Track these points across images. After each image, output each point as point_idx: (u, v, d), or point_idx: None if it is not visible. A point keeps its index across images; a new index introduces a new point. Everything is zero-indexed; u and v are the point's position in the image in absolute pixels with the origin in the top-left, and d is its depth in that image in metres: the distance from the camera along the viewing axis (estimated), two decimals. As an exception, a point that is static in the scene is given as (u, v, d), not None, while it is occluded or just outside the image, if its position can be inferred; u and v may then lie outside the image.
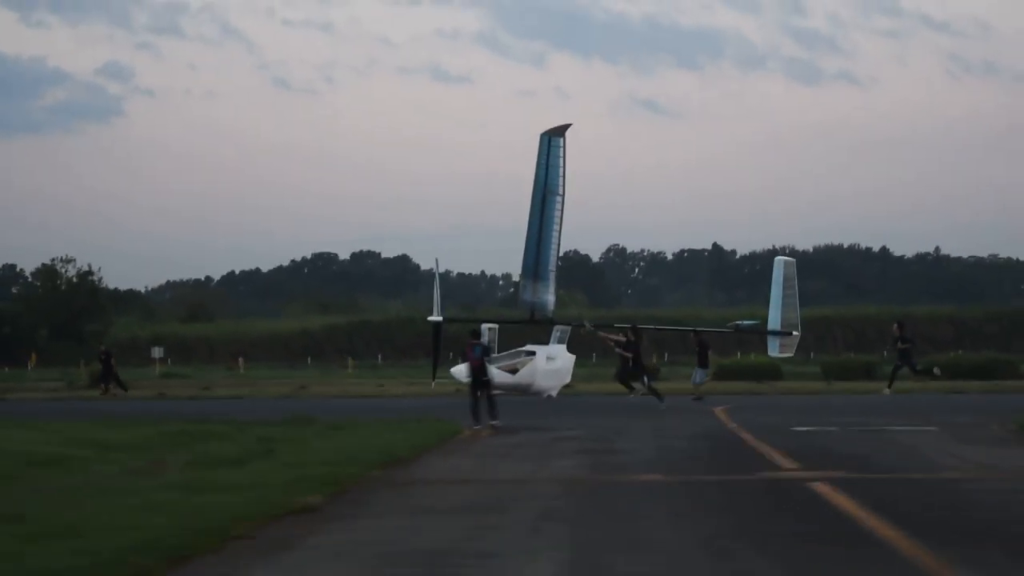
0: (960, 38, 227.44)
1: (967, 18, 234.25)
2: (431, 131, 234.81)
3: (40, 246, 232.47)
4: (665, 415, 31.54)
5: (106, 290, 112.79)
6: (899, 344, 41.38)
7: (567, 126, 36.45)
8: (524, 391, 42.49)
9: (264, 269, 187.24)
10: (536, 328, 43.56)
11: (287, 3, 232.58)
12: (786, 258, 44.77)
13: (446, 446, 22.40)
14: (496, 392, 42.13)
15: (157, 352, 70.02)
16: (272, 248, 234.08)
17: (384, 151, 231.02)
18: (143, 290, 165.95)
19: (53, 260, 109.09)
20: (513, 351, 42.88)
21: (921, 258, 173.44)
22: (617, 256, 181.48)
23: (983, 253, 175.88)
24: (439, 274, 45.91)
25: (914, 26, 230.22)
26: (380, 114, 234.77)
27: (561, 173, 36.59)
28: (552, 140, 36.17)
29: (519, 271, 42.01)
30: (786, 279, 43.14)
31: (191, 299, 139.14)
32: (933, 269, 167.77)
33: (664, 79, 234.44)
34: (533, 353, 41.93)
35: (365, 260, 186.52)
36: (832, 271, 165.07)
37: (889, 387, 40.79)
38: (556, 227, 37.77)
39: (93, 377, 54.28)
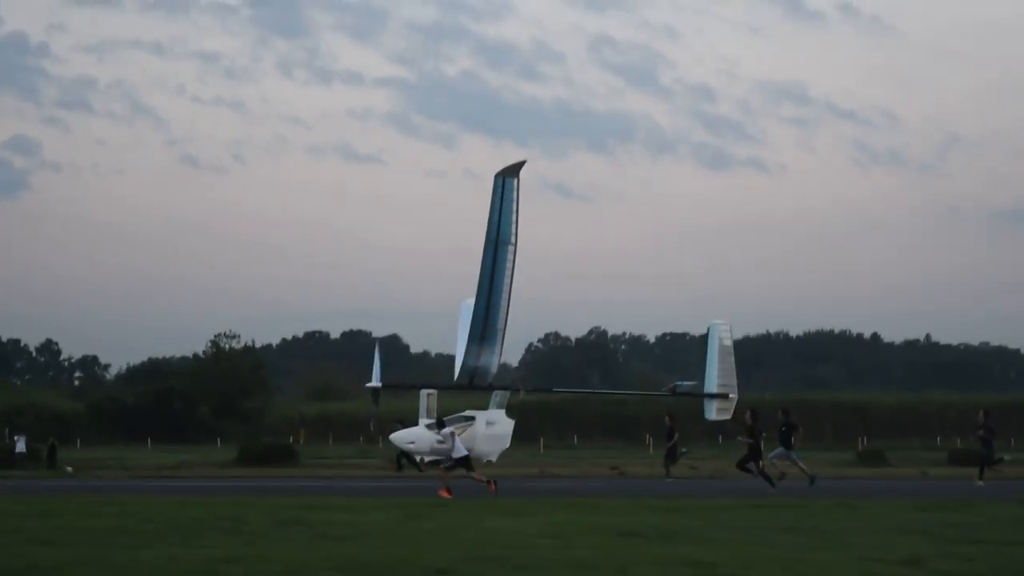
0: (866, 127, 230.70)
1: (873, 108, 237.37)
2: (341, 210, 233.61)
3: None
4: None
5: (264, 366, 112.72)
6: (981, 432, 39.18)
7: (521, 164, 34.60)
8: None
9: (258, 345, 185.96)
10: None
11: (198, 81, 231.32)
12: (721, 323, 43.68)
13: None
14: (435, 458, 41.53)
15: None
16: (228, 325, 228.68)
17: (292, 229, 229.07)
18: (123, 367, 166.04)
19: (217, 336, 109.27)
20: (453, 416, 41.89)
21: (911, 344, 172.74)
22: (599, 338, 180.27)
23: (973, 340, 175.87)
24: (379, 345, 46.13)
25: (821, 114, 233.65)
26: (289, 192, 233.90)
27: (514, 219, 35.03)
28: (506, 181, 34.44)
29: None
30: (722, 343, 42.65)
31: (311, 376, 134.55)
32: (925, 355, 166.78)
33: (575, 163, 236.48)
34: (472, 418, 40.90)
35: (357, 339, 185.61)
36: (827, 356, 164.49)
37: (980, 478, 37.79)
38: (507, 280, 36.30)
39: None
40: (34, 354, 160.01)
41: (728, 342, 42.94)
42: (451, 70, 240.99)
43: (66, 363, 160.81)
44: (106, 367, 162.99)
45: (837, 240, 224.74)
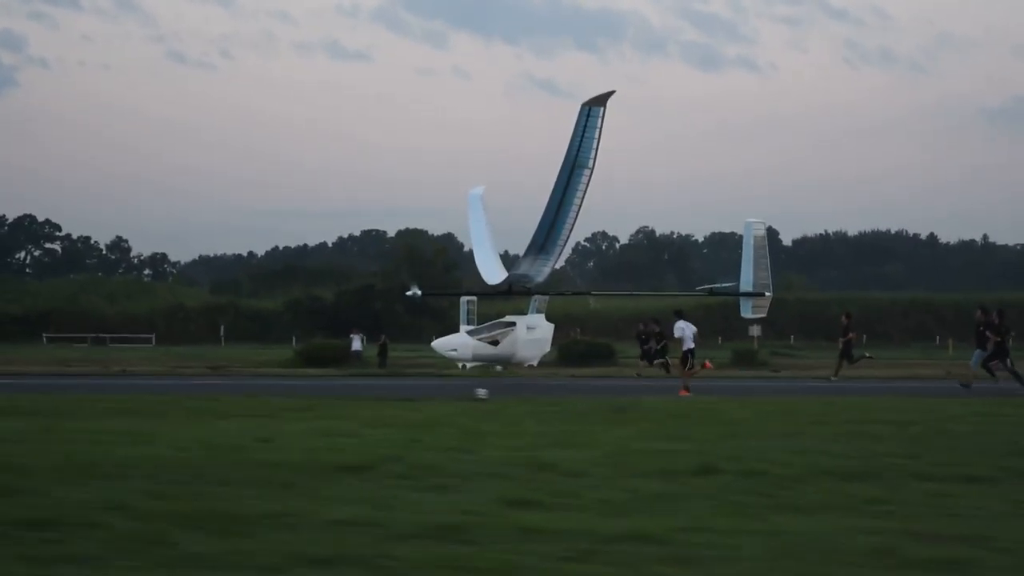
0: (858, 25, 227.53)
1: (864, 6, 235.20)
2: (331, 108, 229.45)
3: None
4: None
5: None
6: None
7: (610, 94, 35.35)
8: (506, 362, 42.28)
9: (311, 245, 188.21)
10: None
11: None
12: (756, 221, 44.06)
13: None
14: (476, 363, 42.63)
15: (755, 330, 62.25)
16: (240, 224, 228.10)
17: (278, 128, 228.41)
18: (176, 263, 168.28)
19: (404, 232, 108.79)
20: (493, 322, 42.70)
21: (967, 245, 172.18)
22: (646, 239, 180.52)
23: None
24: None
25: (813, 13, 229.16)
26: (276, 89, 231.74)
27: (595, 146, 36.11)
28: (592, 110, 35.37)
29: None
30: (756, 241, 43.11)
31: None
32: (982, 256, 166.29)
33: (563, 61, 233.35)
34: (513, 324, 41.79)
35: (412, 237, 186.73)
36: (883, 256, 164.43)
37: None
38: (577, 202, 37.45)
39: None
40: (104, 251, 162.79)
41: (763, 240, 43.42)
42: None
43: (136, 260, 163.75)
44: (175, 264, 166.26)
45: (849, 139, 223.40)
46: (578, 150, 36.19)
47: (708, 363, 35.60)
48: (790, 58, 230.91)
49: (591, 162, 36.52)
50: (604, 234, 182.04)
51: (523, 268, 40.66)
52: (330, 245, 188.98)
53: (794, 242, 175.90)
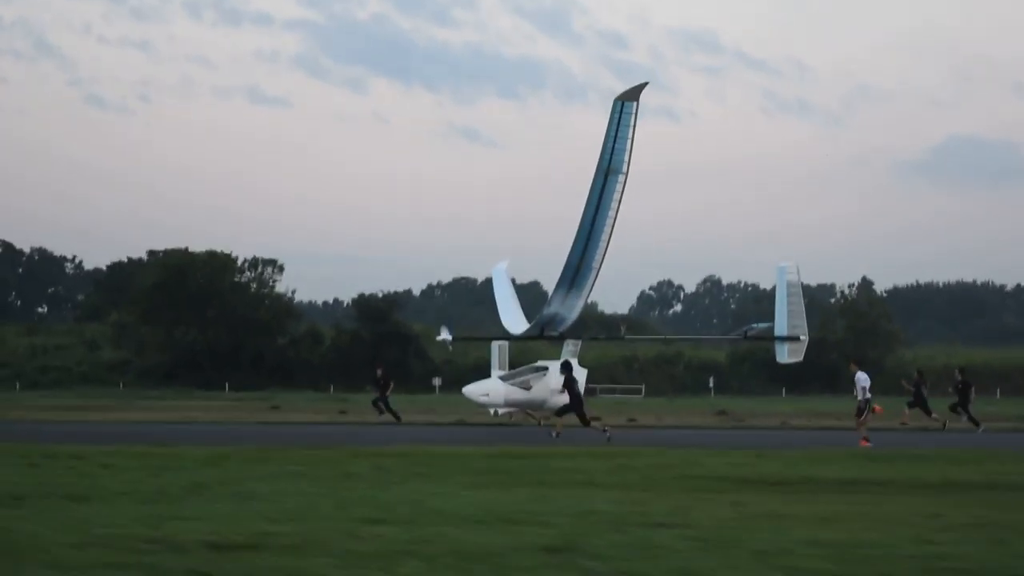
0: (776, 76, 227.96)
1: (783, 57, 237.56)
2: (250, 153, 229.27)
3: None
4: None
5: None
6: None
7: (643, 86, 33.02)
8: (538, 408, 40.43)
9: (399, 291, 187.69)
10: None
11: (104, 20, 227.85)
12: (789, 264, 42.53)
13: None
14: (508, 409, 40.66)
15: None
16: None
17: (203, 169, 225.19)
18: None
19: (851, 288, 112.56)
20: (525, 367, 40.89)
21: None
22: (714, 287, 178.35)
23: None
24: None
25: (732, 63, 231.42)
26: (195, 134, 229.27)
27: (628, 146, 33.52)
28: (625, 106, 32.76)
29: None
30: (790, 285, 41.92)
31: None
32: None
33: (484, 108, 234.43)
34: (546, 369, 39.82)
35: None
36: (979, 309, 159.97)
37: None
38: (612, 215, 34.74)
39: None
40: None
41: (797, 284, 42.26)
42: (361, 13, 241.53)
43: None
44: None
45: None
46: (611, 153, 33.65)
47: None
48: (709, 107, 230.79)
49: (625, 166, 33.94)
50: (670, 283, 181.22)
51: (554, 306, 38.25)
52: (416, 293, 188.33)
53: (887, 292, 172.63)
